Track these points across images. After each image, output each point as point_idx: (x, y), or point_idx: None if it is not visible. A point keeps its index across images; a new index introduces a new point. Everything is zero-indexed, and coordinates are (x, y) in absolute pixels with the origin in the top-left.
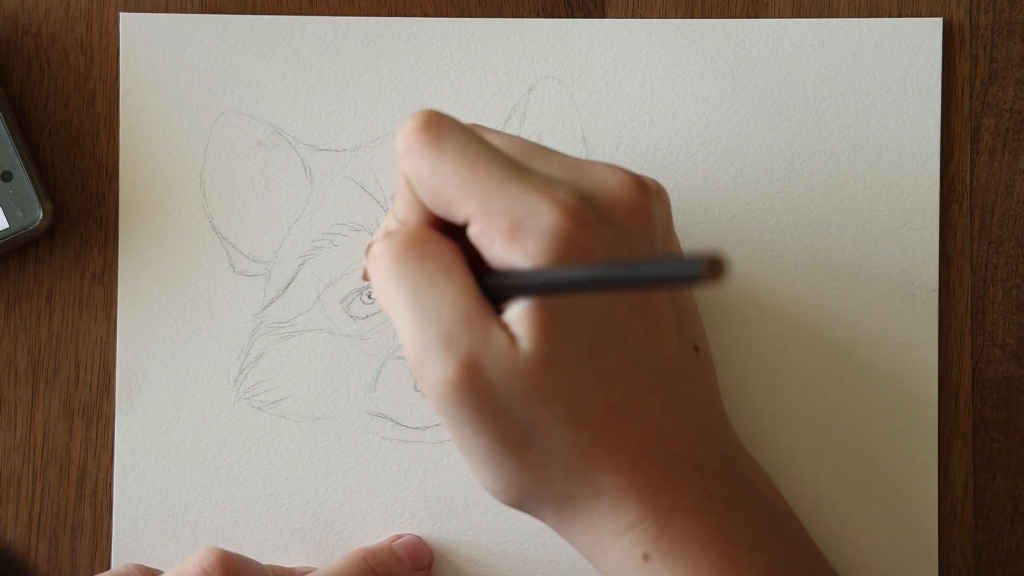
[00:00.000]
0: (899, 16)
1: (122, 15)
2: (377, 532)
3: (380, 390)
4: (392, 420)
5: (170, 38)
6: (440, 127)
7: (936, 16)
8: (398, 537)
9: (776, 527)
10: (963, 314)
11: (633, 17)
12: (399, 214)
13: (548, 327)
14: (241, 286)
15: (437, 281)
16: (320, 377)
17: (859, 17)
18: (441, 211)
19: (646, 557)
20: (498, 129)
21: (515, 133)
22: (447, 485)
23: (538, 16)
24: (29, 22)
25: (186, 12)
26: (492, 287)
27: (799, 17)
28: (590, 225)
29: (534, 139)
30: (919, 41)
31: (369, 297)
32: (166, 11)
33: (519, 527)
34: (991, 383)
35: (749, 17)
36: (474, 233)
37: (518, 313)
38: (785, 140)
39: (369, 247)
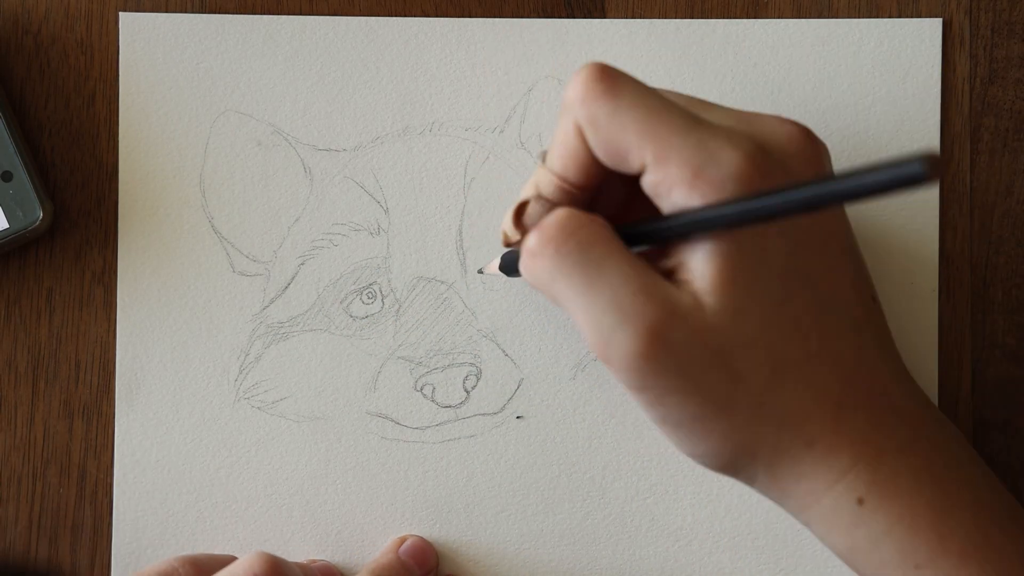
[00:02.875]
0: (899, 16)
1: (122, 15)
2: (377, 532)
3: (380, 390)
4: (392, 420)
5: (170, 38)
6: (617, 77)
7: (936, 15)
8: (402, 540)
9: (975, 466)
10: (963, 314)
11: (633, 17)
12: (557, 166)
13: (733, 276)
14: (241, 286)
15: (604, 265)
16: (320, 377)
17: (859, 16)
18: (614, 160)
19: (861, 501)
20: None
21: (515, 134)
22: (447, 485)
23: (538, 16)
24: (29, 22)
25: (186, 12)
26: (666, 230)
27: (799, 17)
28: (769, 173)
29: (534, 140)
30: (919, 42)
31: (369, 297)
32: (166, 11)
33: (519, 527)
34: (991, 383)
35: (749, 17)
36: (651, 182)
37: (699, 267)
38: None
39: (518, 211)
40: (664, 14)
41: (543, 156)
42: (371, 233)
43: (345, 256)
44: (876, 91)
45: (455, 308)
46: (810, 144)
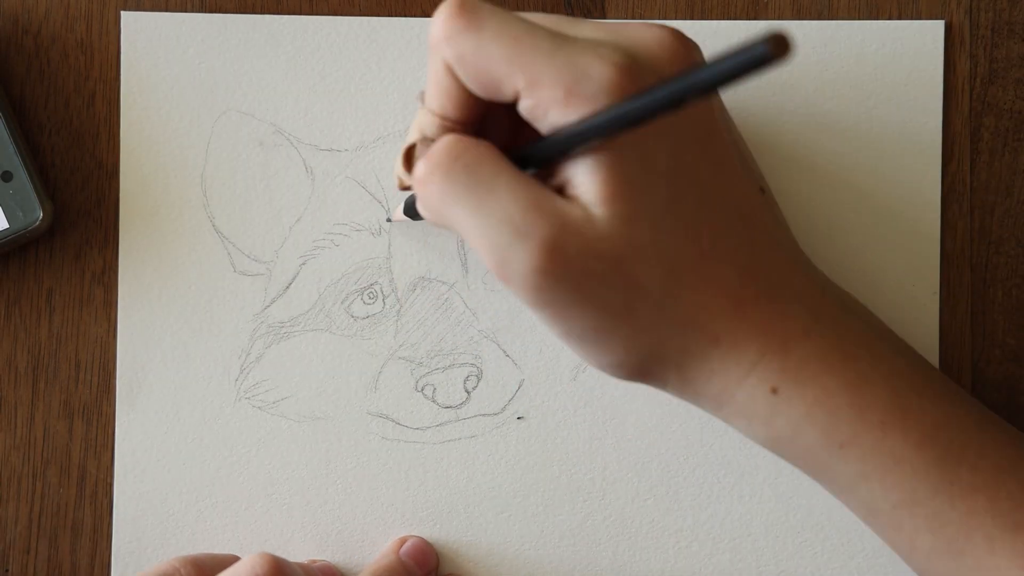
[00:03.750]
0: (899, 16)
1: (123, 14)
2: (377, 532)
3: (381, 390)
4: (393, 420)
5: (171, 37)
6: (475, 8)
7: (936, 15)
8: (403, 541)
9: (886, 338)
10: (963, 314)
11: (633, 18)
12: (435, 106)
13: (619, 185)
14: (242, 286)
15: (493, 184)
16: (321, 377)
17: (859, 16)
18: (488, 91)
19: (775, 390)
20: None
21: None
22: (447, 485)
23: None
24: (29, 22)
25: (186, 12)
26: (550, 149)
27: (799, 17)
28: (641, 79)
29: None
30: (921, 44)
31: (370, 297)
32: (166, 11)
33: (520, 528)
34: (991, 383)
35: (749, 18)
36: (526, 107)
37: (585, 181)
38: (787, 142)
39: (407, 155)
40: (664, 14)
41: (421, 97)
42: (372, 233)
43: (346, 256)
44: (878, 93)
45: (456, 309)
46: (680, 46)
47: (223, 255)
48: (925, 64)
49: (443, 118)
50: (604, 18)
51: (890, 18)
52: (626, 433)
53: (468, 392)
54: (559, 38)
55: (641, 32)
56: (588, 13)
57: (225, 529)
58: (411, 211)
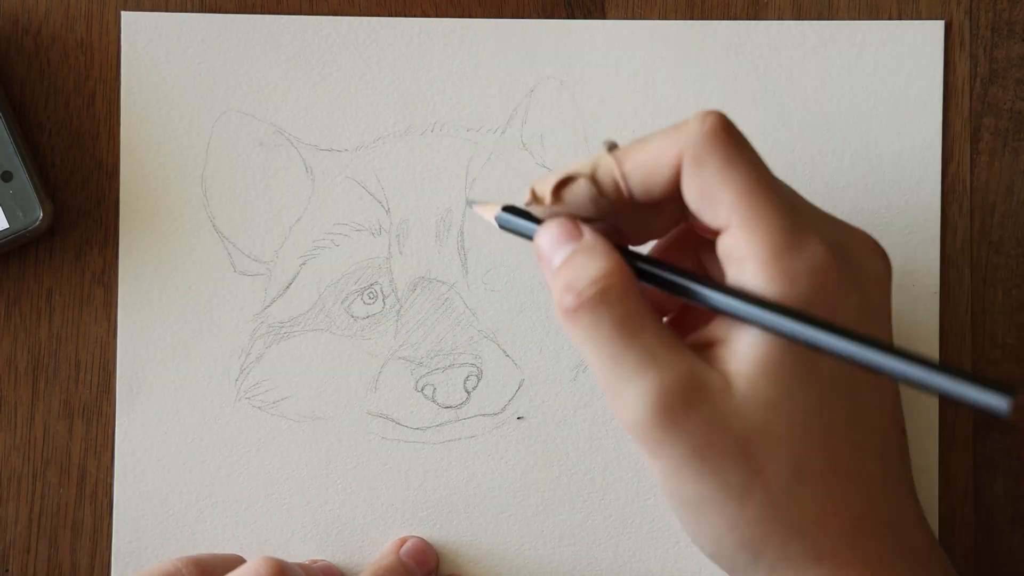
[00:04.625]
0: (899, 16)
1: (124, 14)
2: (377, 532)
3: (381, 390)
4: (393, 420)
5: (172, 37)
6: (740, 136)
7: (936, 15)
8: (403, 541)
9: None
10: (963, 314)
11: (633, 18)
12: (628, 167)
13: (777, 369)
14: (242, 286)
15: (636, 337)
16: (321, 377)
17: (859, 16)
18: (699, 205)
19: None
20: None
21: (517, 134)
22: (447, 486)
23: (538, 17)
24: (29, 22)
25: (186, 12)
26: (724, 305)
27: (799, 17)
28: (844, 281)
29: (535, 141)
30: (921, 44)
31: (370, 297)
32: (166, 11)
33: (519, 528)
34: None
35: (749, 17)
36: (727, 244)
37: (743, 349)
38: (787, 142)
39: (562, 183)
40: (664, 15)
41: (611, 144)
42: (372, 233)
43: (346, 256)
44: (878, 93)
45: (456, 309)
46: (884, 264)
47: (223, 255)
48: (925, 64)
49: (624, 183)
50: (604, 18)
51: (890, 18)
52: (626, 433)
53: (468, 392)
54: (792, 204)
55: (855, 235)
56: (588, 13)
57: (225, 529)
58: (506, 224)
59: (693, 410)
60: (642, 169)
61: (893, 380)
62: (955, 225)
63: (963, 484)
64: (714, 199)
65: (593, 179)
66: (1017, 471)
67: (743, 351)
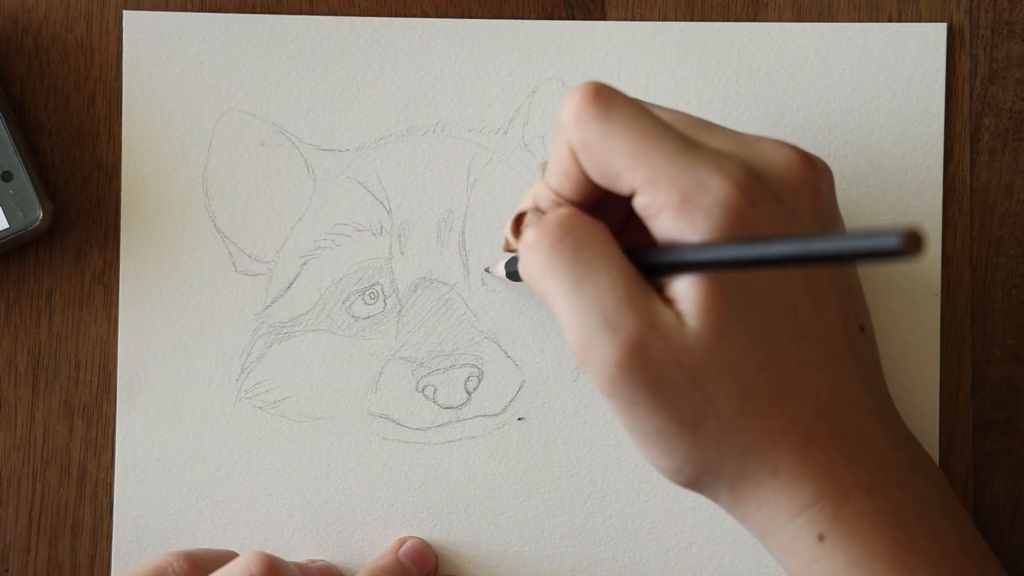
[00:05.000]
0: (899, 17)
1: (125, 13)
2: (377, 533)
3: (381, 390)
4: (393, 421)
5: (173, 37)
6: (610, 99)
7: (936, 16)
8: (402, 542)
9: (948, 514)
10: (963, 314)
11: (633, 18)
12: (553, 182)
13: (719, 303)
14: (243, 286)
15: (595, 267)
16: (321, 377)
17: (859, 16)
18: (606, 181)
19: (821, 537)
20: (658, 105)
21: (518, 136)
22: (448, 486)
23: (538, 17)
24: (29, 22)
25: (186, 11)
26: (658, 261)
27: (799, 18)
28: (759, 201)
29: (537, 141)
30: (923, 46)
31: (371, 297)
32: (167, 11)
33: (519, 529)
34: (991, 383)
35: (749, 18)
36: (640, 204)
37: (685, 289)
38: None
39: (517, 220)
40: (664, 15)
41: (543, 168)
42: (374, 233)
43: (348, 256)
44: (879, 95)
45: (457, 309)
46: (807, 170)
47: (224, 255)
48: (927, 67)
49: (559, 195)
50: (604, 19)
51: (890, 19)
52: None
53: (469, 393)
54: (685, 143)
55: (770, 150)
56: (588, 14)
57: (225, 529)
58: (512, 274)
59: (649, 351)
60: (562, 176)
61: (798, 267)
62: (955, 224)
63: (963, 484)
64: (612, 171)
65: (536, 208)
66: (1017, 471)
67: (686, 290)
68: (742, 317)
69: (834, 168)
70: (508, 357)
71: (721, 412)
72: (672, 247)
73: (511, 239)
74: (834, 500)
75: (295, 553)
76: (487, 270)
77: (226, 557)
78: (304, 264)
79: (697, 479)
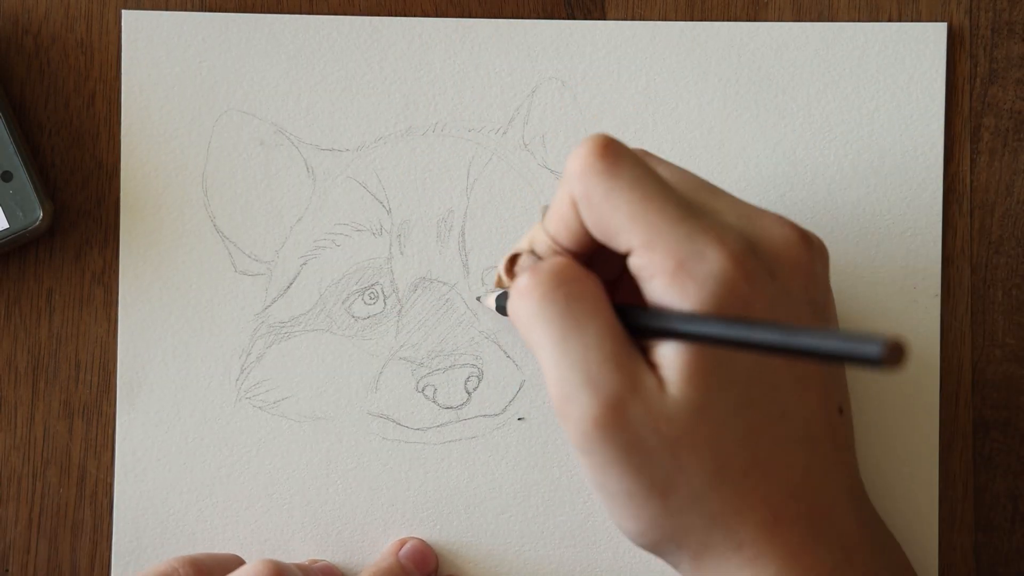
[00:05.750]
0: (899, 16)
1: (124, 13)
2: (377, 533)
3: (381, 391)
4: (393, 421)
5: (173, 36)
6: (617, 155)
7: (936, 16)
8: (403, 543)
9: None
10: (963, 314)
11: (633, 18)
12: (551, 229)
13: (701, 374)
14: (243, 285)
15: (583, 323)
16: (321, 377)
17: (859, 15)
18: (603, 237)
19: None
20: (665, 160)
21: (519, 134)
22: (448, 486)
23: (538, 17)
24: (29, 22)
25: (186, 11)
26: (646, 324)
27: (799, 18)
28: (753, 277)
29: (537, 141)
30: (923, 46)
31: (371, 297)
32: (167, 10)
33: (519, 529)
34: (991, 383)
35: (749, 18)
36: (636, 265)
37: (670, 356)
38: (788, 144)
39: (511, 260)
40: (664, 15)
41: (543, 212)
42: (373, 233)
43: (347, 256)
44: (880, 95)
45: (457, 309)
46: (804, 250)
47: (224, 255)
48: (927, 66)
49: (556, 242)
50: (604, 18)
51: (890, 18)
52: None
53: (469, 393)
54: (687, 209)
55: (770, 225)
56: (588, 13)
57: (225, 529)
58: (503, 308)
59: (628, 413)
60: (560, 225)
61: (780, 356)
62: (955, 224)
63: (963, 484)
64: (611, 229)
65: (531, 252)
66: (1017, 471)
67: (670, 357)
68: (724, 391)
69: (834, 168)
70: (508, 357)
71: (692, 482)
72: (661, 312)
73: (504, 278)
74: None
75: (295, 553)
76: (478, 299)
77: (232, 563)
78: (304, 264)
79: (660, 545)
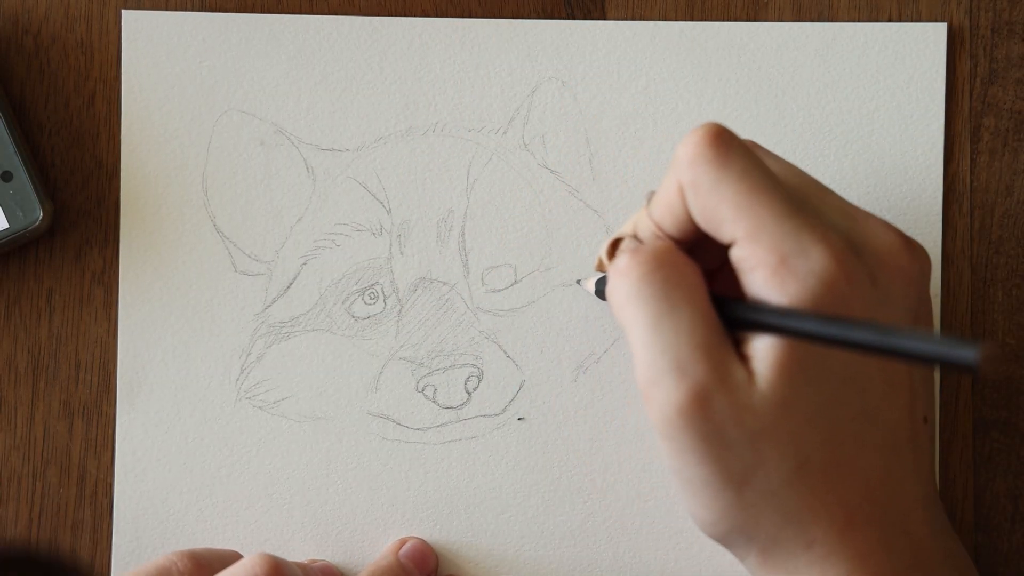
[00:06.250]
0: (899, 16)
1: (124, 13)
2: (377, 532)
3: (381, 391)
4: (393, 421)
5: (173, 36)
6: (729, 145)
7: (936, 16)
8: (403, 542)
9: None
10: (963, 314)
11: (633, 18)
12: (656, 215)
13: (793, 370)
14: (243, 285)
15: (679, 307)
16: (321, 377)
17: (859, 15)
18: (708, 226)
19: None
20: (775, 154)
21: (519, 135)
22: (448, 486)
23: (538, 17)
24: (29, 22)
25: (186, 11)
26: (742, 316)
27: (799, 18)
28: (854, 279)
29: (537, 141)
30: (923, 46)
31: (371, 297)
32: (167, 10)
33: (519, 529)
34: (991, 383)
35: (749, 18)
36: (737, 256)
37: (763, 349)
38: (788, 144)
39: (613, 244)
40: (664, 15)
41: (648, 197)
42: (373, 233)
43: (347, 256)
44: (880, 96)
45: (457, 309)
46: (907, 257)
47: (224, 255)
48: (927, 67)
49: (659, 228)
50: (604, 18)
51: (890, 18)
52: (627, 434)
53: (469, 393)
54: (794, 205)
55: (876, 229)
56: (588, 13)
57: (225, 529)
58: (601, 292)
59: (713, 403)
60: (666, 211)
61: (875, 356)
62: (955, 224)
63: (963, 484)
64: (716, 218)
65: (634, 236)
66: (1017, 471)
67: (763, 351)
68: (813, 389)
69: (834, 168)
70: (508, 357)
71: (770, 476)
72: (759, 306)
73: (605, 260)
74: None
75: (295, 553)
76: (578, 281)
77: (230, 557)
78: (304, 264)
79: (730, 536)
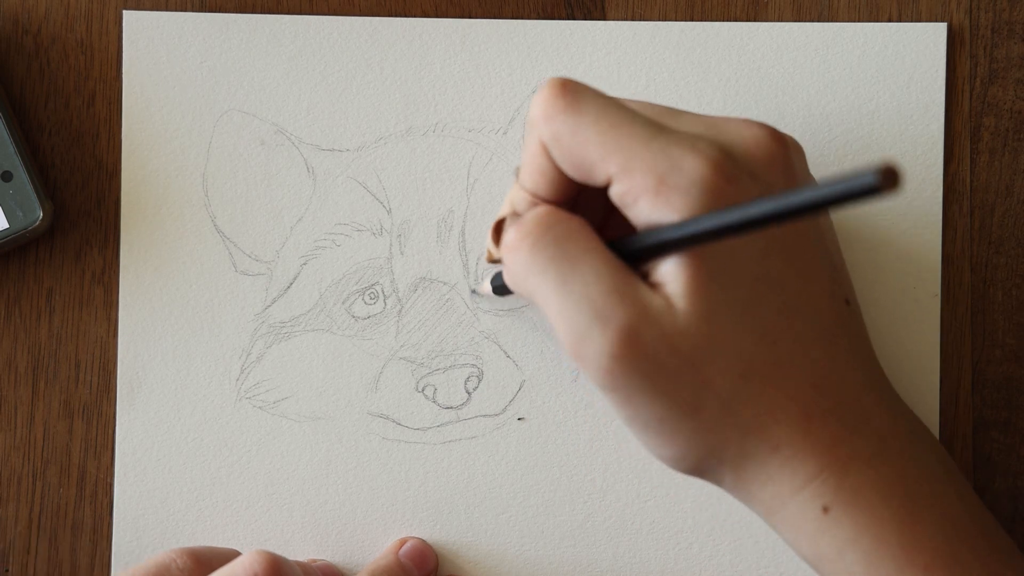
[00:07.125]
0: (899, 16)
1: (125, 13)
2: (377, 533)
3: (381, 390)
4: (393, 421)
5: (173, 36)
6: (577, 91)
7: (936, 16)
8: (403, 542)
9: (950, 481)
10: (963, 314)
11: (633, 18)
12: (528, 183)
13: (705, 281)
14: (243, 285)
15: (579, 261)
16: (321, 377)
17: (859, 17)
18: (580, 174)
19: (826, 510)
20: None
21: (518, 136)
22: (448, 486)
23: (538, 17)
24: (29, 22)
25: (186, 11)
26: (641, 246)
27: (799, 18)
28: (734, 178)
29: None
30: (923, 46)
31: (371, 297)
32: (167, 11)
33: (520, 528)
34: (991, 383)
35: (749, 18)
36: (617, 193)
37: (670, 271)
38: None
39: (496, 228)
40: (664, 15)
41: (516, 172)
42: (374, 233)
43: (347, 256)
44: (879, 96)
45: (457, 309)
46: (776, 145)
47: (224, 255)
48: (927, 67)
49: (535, 196)
50: (604, 19)
51: (890, 18)
52: (627, 434)
53: (469, 393)
54: (656, 128)
55: (739, 129)
56: (588, 13)
57: (225, 529)
58: (499, 288)
59: (643, 339)
60: (536, 175)
61: (780, 224)
62: (955, 225)
63: None
64: (586, 163)
65: (514, 213)
66: (1017, 471)
67: (671, 273)
68: (729, 293)
69: (834, 168)
70: (508, 357)
71: (720, 393)
72: (653, 230)
73: (492, 248)
74: (836, 472)
75: (295, 553)
76: (473, 291)
77: (229, 555)
78: (304, 264)
79: (701, 464)
